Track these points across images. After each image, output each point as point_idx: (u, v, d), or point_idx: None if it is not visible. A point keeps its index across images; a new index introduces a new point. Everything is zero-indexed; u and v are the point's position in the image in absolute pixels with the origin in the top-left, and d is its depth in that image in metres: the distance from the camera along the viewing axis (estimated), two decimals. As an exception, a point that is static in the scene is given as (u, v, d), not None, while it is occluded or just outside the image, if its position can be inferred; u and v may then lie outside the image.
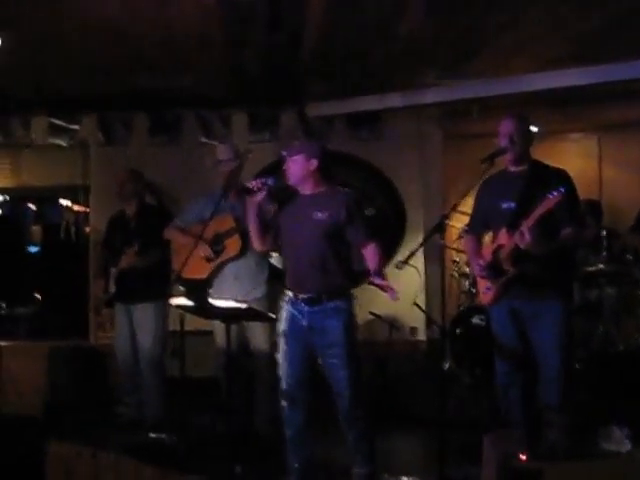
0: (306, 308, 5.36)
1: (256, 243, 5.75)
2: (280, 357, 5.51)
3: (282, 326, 5.53)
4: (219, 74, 7.98)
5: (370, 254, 5.35)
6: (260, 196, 5.43)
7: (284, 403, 5.48)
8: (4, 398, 7.02)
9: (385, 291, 5.09)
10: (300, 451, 5.51)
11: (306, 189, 5.45)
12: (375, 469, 5.40)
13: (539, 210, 5.06)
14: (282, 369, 5.49)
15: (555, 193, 4.97)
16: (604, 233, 8.23)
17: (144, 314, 7.20)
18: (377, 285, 5.16)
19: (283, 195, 5.63)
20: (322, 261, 5.29)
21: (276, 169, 8.00)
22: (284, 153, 5.47)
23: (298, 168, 5.39)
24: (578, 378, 6.95)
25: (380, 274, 5.18)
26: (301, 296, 5.39)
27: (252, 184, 5.41)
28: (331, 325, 5.27)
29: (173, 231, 6.98)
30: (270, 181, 5.39)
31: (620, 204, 9.49)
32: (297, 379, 5.44)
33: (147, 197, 7.70)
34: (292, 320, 5.46)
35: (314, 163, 5.37)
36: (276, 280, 6.40)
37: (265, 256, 6.57)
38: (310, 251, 5.31)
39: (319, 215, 5.32)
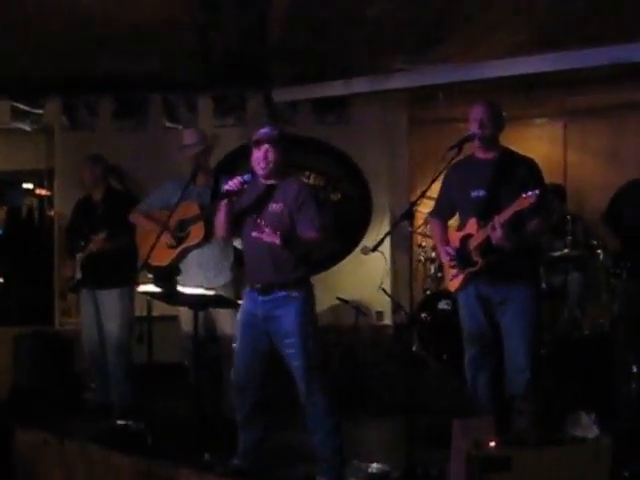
0: (260, 298, 5.38)
1: (222, 234, 5.66)
2: (235, 346, 5.57)
3: (238, 316, 5.59)
4: (185, 58, 7.92)
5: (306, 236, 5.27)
6: (237, 195, 5.38)
7: (233, 391, 5.56)
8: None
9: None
10: (248, 435, 5.57)
11: (267, 178, 5.43)
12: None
13: (513, 208, 5.08)
14: (234, 358, 5.56)
15: (530, 193, 4.98)
16: (569, 218, 8.26)
17: (110, 300, 7.18)
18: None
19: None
20: (274, 251, 5.22)
21: (241, 155, 8.01)
22: (258, 138, 5.40)
23: (264, 157, 5.35)
24: (544, 363, 6.99)
25: (282, 237, 5.03)
26: (255, 285, 5.41)
27: (231, 185, 5.29)
28: (283, 314, 5.29)
29: (138, 216, 6.95)
30: (247, 177, 5.29)
31: (584, 190, 9.61)
32: (246, 370, 5.48)
33: (112, 182, 7.65)
34: (247, 311, 5.51)
35: (279, 152, 5.35)
36: (242, 266, 6.39)
37: (229, 242, 6.50)
38: (263, 242, 5.27)
39: (274, 207, 5.32)
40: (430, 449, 5.39)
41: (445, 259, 5.71)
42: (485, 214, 5.30)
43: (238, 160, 8.52)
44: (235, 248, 6.62)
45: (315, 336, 5.35)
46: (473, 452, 4.36)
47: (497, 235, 5.14)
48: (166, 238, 6.60)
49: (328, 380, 5.46)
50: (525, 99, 9.08)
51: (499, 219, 5.13)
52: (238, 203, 5.47)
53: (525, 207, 5.03)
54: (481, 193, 5.49)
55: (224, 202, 5.39)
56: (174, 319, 6.86)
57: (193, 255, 6.69)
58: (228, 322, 6.57)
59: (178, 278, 6.59)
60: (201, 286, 6.09)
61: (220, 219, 5.51)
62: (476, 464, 4.33)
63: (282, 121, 9.07)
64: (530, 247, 5.54)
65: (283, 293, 5.28)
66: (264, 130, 5.42)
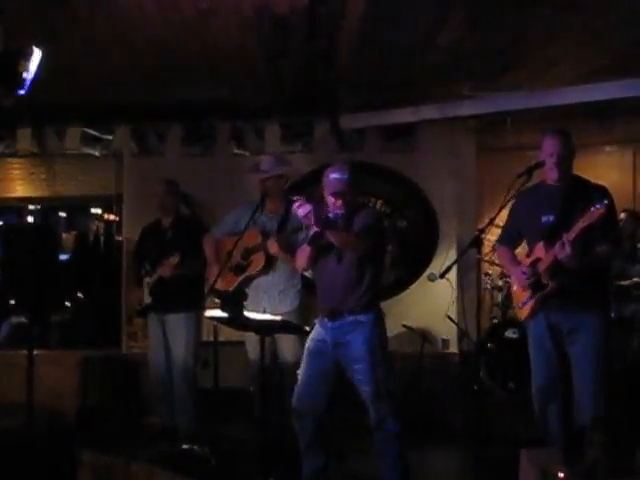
0: (329, 324, 5.43)
1: (304, 265, 5.72)
2: (300, 373, 5.59)
3: (307, 343, 5.63)
4: (253, 85, 7.96)
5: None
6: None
7: (293, 419, 5.59)
8: (37, 406, 7.03)
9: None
10: (311, 461, 5.60)
11: (337, 209, 5.44)
12: None
13: (581, 223, 5.03)
14: (297, 385, 5.59)
15: (598, 206, 4.94)
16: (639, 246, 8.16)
17: (177, 324, 7.21)
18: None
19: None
20: (345, 278, 5.37)
21: (310, 181, 7.99)
22: (336, 191, 5.43)
23: (342, 206, 5.40)
24: (614, 394, 6.89)
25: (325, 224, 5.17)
26: (325, 312, 5.47)
27: (315, 231, 5.27)
28: (352, 340, 5.34)
29: (207, 243, 7.00)
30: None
31: (654, 218, 9.43)
32: (309, 397, 5.51)
33: (181, 208, 7.71)
34: (316, 338, 5.56)
35: (351, 195, 5.45)
36: (310, 293, 6.37)
37: (297, 270, 6.39)
38: (334, 269, 5.40)
39: None
40: (496, 479, 5.33)
41: (522, 278, 5.57)
42: (553, 238, 5.23)
43: (308, 186, 8.49)
44: (303, 276, 6.61)
45: (385, 361, 5.38)
46: (542, 483, 4.30)
47: (566, 252, 5.06)
48: (232, 264, 6.64)
49: (398, 405, 5.44)
50: (594, 127, 9.02)
51: (568, 236, 5.07)
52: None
53: (594, 220, 4.97)
54: (550, 218, 5.44)
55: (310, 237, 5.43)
56: (240, 344, 6.87)
57: (259, 281, 6.72)
58: (289, 349, 6.60)
59: (245, 303, 6.62)
60: (265, 311, 6.11)
61: (306, 252, 5.54)
62: (544, 495, 4.28)
63: (349, 148, 9.07)
64: (599, 273, 5.47)
65: (351, 318, 5.31)
66: (339, 182, 5.44)
